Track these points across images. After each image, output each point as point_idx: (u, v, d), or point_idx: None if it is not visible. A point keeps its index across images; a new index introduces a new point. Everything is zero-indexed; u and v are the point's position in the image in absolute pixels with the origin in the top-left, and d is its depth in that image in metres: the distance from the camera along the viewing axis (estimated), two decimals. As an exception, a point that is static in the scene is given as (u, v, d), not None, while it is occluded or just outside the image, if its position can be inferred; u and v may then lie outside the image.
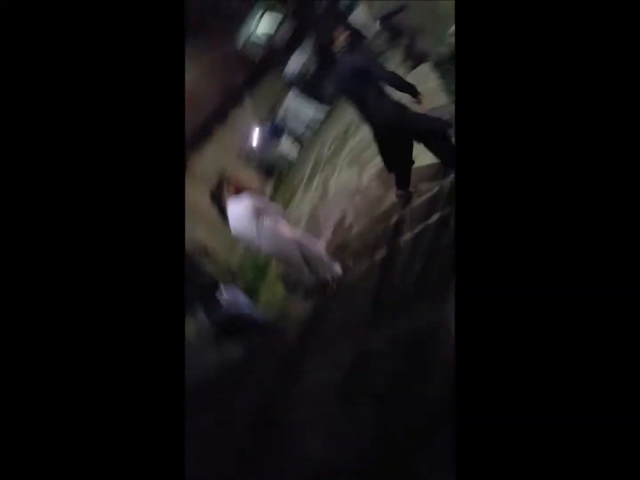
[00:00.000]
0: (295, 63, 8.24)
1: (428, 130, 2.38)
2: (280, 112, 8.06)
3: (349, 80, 2.48)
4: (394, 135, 2.45)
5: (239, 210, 2.58)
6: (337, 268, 2.76)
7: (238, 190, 2.62)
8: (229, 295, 3.26)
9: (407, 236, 2.46)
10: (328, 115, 7.81)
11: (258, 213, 2.55)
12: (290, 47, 8.86)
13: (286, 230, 2.73)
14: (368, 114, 2.50)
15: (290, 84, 8.04)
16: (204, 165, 6.28)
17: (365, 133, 4.77)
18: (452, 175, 2.30)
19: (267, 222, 2.58)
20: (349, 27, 6.74)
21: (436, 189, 2.52)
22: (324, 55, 7.70)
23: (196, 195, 3.40)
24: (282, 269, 3.18)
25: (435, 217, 2.32)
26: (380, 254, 2.59)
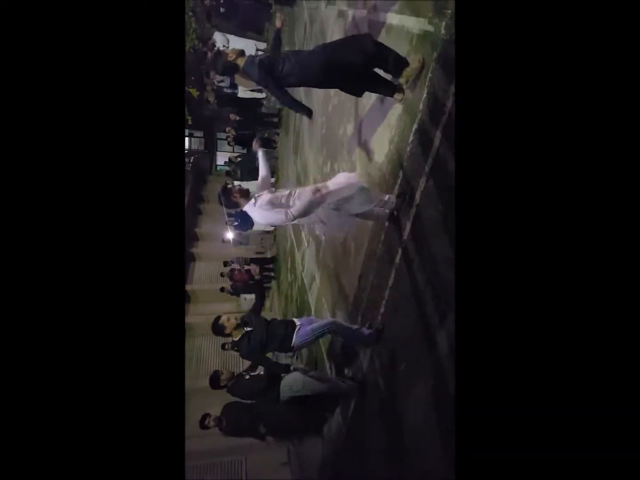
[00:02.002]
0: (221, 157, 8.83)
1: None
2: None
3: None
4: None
5: (260, 210, 2.41)
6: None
7: (243, 194, 2.53)
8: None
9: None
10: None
11: (276, 202, 2.39)
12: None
13: (312, 187, 2.42)
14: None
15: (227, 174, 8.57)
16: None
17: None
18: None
19: (296, 195, 2.36)
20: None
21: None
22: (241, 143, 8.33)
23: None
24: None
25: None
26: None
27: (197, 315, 7.69)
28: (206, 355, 7.65)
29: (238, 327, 2.94)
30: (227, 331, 2.91)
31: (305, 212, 2.34)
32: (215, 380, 3.34)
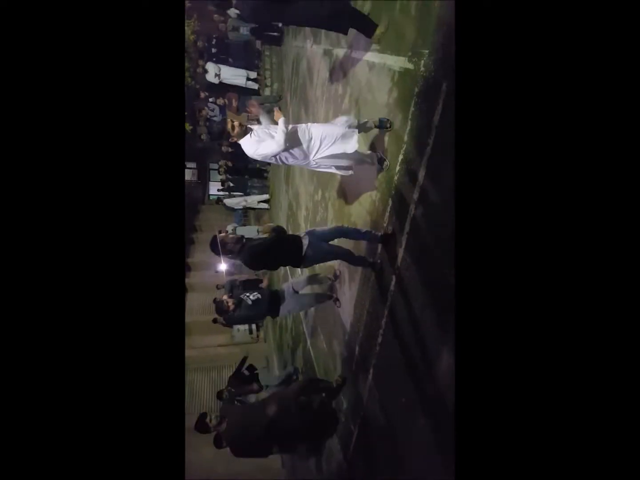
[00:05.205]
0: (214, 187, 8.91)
1: None
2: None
3: None
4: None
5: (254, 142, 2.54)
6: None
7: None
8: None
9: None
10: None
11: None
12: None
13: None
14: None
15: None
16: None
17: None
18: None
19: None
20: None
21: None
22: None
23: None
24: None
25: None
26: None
27: (190, 349, 7.52)
28: (199, 390, 7.43)
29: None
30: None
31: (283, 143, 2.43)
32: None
